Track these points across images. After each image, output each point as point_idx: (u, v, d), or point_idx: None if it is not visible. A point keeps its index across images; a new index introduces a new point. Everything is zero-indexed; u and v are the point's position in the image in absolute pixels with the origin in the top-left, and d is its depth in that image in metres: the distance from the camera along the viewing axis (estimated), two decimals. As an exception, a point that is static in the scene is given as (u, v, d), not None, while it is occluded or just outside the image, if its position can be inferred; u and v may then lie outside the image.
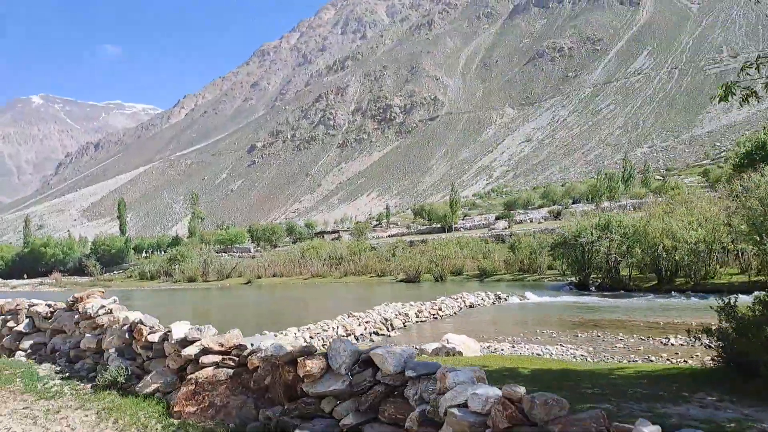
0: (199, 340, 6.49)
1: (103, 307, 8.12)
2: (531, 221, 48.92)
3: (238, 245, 69.69)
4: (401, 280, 36.27)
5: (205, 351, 6.32)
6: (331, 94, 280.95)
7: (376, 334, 16.65)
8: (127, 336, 7.48)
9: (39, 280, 66.99)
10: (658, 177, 71.40)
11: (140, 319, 7.33)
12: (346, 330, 16.28)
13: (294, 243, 63.99)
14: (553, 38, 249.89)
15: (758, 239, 18.68)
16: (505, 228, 42.92)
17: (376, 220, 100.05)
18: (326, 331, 16.09)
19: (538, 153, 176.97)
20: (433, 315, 19.89)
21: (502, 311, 21.73)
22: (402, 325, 18.00)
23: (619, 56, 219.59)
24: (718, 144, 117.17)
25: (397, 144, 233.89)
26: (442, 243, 39.37)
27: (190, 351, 6.41)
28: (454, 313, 20.92)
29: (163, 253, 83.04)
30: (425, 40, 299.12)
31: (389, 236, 60.18)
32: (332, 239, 56.52)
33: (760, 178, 20.79)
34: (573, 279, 27.81)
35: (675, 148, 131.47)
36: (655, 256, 24.37)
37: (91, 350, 8.04)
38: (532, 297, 24.71)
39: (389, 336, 16.64)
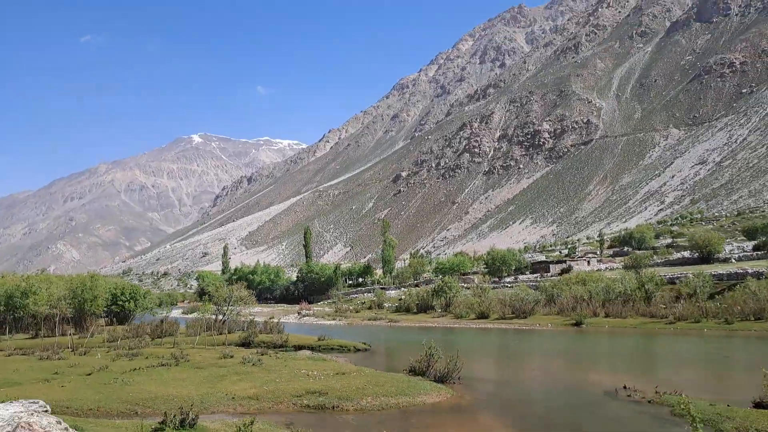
0: None
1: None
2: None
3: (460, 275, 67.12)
4: None
5: None
6: (474, 122, 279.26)
7: None
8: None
9: (271, 307, 68.37)
10: None
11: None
12: None
13: (516, 274, 61.09)
14: (720, 53, 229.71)
15: None
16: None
17: (564, 252, 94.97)
18: None
19: (717, 176, 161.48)
20: None
21: None
22: None
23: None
24: None
25: (547, 170, 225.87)
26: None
27: None
28: None
29: (352, 280, 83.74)
30: (572, 63, 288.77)
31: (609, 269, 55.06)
32: (561, 270, 52.70)
33: None
34: None
35: None
36: None
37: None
38: None
39: None
